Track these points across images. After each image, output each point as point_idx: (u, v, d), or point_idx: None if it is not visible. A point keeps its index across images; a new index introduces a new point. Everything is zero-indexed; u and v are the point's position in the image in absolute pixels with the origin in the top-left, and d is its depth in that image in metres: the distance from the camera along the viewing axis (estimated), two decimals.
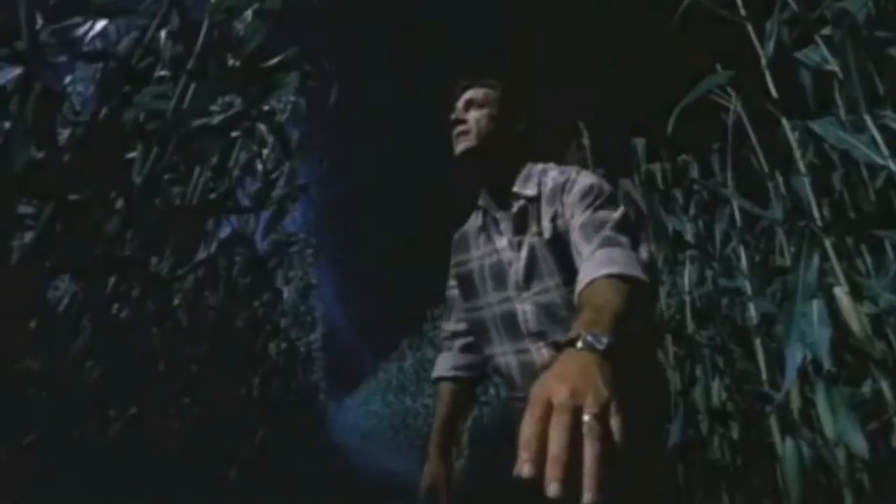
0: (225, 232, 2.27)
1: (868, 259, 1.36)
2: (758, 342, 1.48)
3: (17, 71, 0.82)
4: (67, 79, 1.84)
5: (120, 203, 1.03)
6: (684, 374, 1.89)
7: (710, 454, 1.58)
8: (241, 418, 2.48)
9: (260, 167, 2.44)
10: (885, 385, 0.96)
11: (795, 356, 0.97)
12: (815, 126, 1.36)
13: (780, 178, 1.62)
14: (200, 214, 1.32)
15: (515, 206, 1.00)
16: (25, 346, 1.01)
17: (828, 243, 1.10)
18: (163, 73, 1.29)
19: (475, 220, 1.11)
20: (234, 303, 2.20)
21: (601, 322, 0.63)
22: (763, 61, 1.53)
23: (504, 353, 1.01)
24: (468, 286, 1.08)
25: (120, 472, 1.13)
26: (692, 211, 2.39)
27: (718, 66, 1.72)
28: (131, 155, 1.23)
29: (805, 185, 1.25)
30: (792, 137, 1.41)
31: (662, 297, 2.25)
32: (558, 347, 0.61)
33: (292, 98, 2.84)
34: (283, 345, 4.04)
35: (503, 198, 1.03)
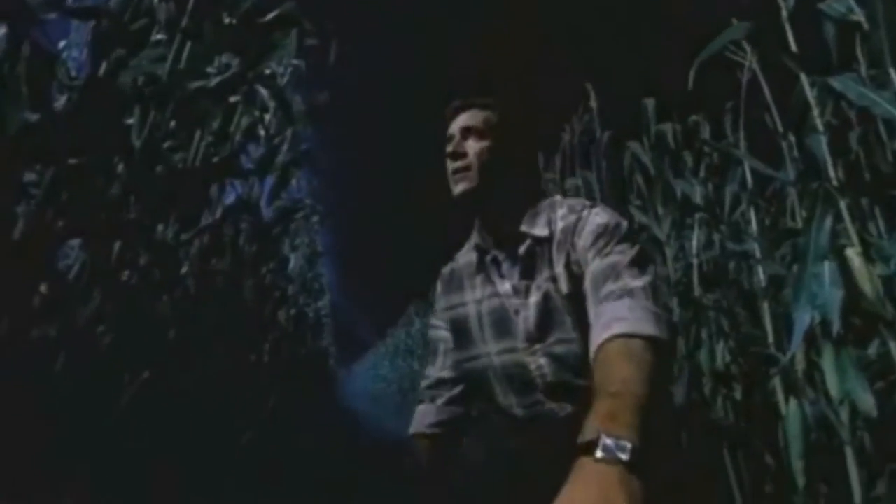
0: (230, 199, 2.26)
1: (881, 221, 1.33)
2: (765, 305, 1.48)
3: (2, 30, 0.80)
4: (62, 44, 1.80)
5: (121, 168, 1.02)
6: (689, 337, 1.90)
7: (713, 415, 1.61)
8: (253, 384, 2.54)
9: (262, 133, 2.40)
10: (893, 346, 0.96)
11: (804, 318, 0.96)
12: (835, 82, 1.30)
13: (793, 139, 1.57)
14: (203, 178, 1.31)
15: (523, 248, 0.90)
16: (38, 314, 1.02)
17: (842, 204, 1.08)
18: (159, 36, 1.26)
19: (467, 257, 1.00)
20: (242, 269, 2.21)
21: (621, 417, 0.55)
22: (784, 13, 1.46)
23: (511, 406, 0.92)
24: (462, 332, 0.97)
25: (134, 436, 1.16)
26: (702, 174, 2.34)
27: (734, 20, 1.64)
28: (130, 121, 1.21)
29: (822, 144, 1.22)
30: (810, 94, 1.36)
31: (669, 262, 2.24)
32: (577, 448, 0.52)
33: (293, 61, 2.77)
34: (292, 311, 4.09)
35: (506, 236, 0.93)
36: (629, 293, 0.75)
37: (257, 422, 2.46)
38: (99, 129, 0.93)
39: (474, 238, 1.00)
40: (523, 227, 0.92)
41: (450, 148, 0.93)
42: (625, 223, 0.87)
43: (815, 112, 1.33)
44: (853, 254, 1.01)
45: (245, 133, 2.09)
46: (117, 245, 1.07)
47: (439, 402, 1.03)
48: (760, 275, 1.58)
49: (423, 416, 1.03)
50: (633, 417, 0.55)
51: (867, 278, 0.99)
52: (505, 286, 0.93)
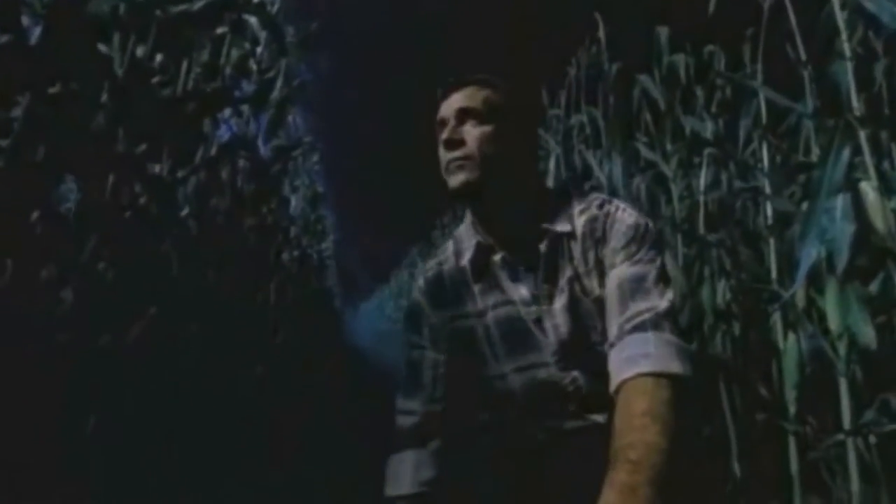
0: (225, 137, 2.20)
1: None
2: (771, 242, 1.46)
3: None
4: None
5: (104, 98, 0.98)
6: (692, 275, 1.91)
7: (711, 349, 1.64)
8: (260, 322, 2.60)
9: (254, 67, 2.30)
10: None
11: (811, 252, 0.95)
12: (868, 3, 1.21)
13: (812, 70, 1.49)
14: (193, 108, 1.25)
15: (543, 245, 0.78)
16: (37, 252, 1.01)
17: (862, 136, 1.03)
18: None
19: (460, 259, 0.84)
20: (242, 209, 2.19)
21: (640, 491, 0.54)
22: None
23: (532, 433, 0.80)
24: (464, 352, 0.82)
25: (143, 374, 1.20)
26: (714, 109, 2.25)
27: None
28: (112, 54, 1.14)
29: (847, 72, 1.15)
30: (840, 17, 1.27)
31: (675, 199, 2.20)
32: None
33: None
34: (295, 253, 4.12)
35: (515, 234, 0.80)
36: (655, 323, 0.69)
37: (266, 358, 2.54)
38: (75, 55, 0.88)
39: (470, 235, 0.83)
40: (545, 223, 0.80)
41: (444, 135, 0.78)
42: (652, 225, 0.79)
43: (844, 37, 1.25)
44: (868, 187, 0.98)
45: (236, 67, 1.99)
46: (111, 179, 1.04)
47: (433, 445, 0.79)
48: (768, 212, 1.55)
49: (407, 468, 0.77)
50: (651, 492, 0.55)
51: (880, 213, 0.97)
52: (521, 292, 0.80)
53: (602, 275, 0.77)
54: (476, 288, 0.83)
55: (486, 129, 0.78)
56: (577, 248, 0.79)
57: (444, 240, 0.94)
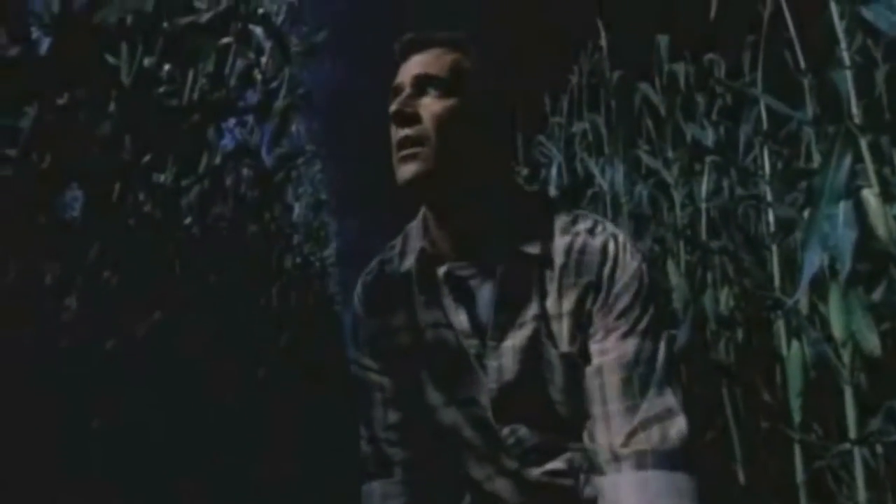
0: (229, 146, 2.22)
1: None
2: (774, 249, 1.47)
3: None
4: None
5: (112, 107, 0.99)
6: (694, 281, 1.91)
7: (714, 355, 1.64)
8: (264, 326, 2.61)
9: (259, 76, 2.32)
10: None
11: (813, 260, 0.95)
12: (867, 12, 1.22)
13: (812, 77, 1.50)
14: (199, 117, 1.27)
15: (503, 267, 0.61)
16: (44, 258, 1.02)
17: (863, 143, 1.03)
18: None
19: (403, 264, 0.68)
20: (245, 216, 2.21)
21: None
22: None
23: (488, 476, 0.67)
24: (398, 373, 0.69)
25: (148, 374, 1.20)
26: (714, 116, 2.26)
27: None
28: (120, 64, 1.16)
29: (846, 80, 1.15)
30: (839, 25, 1.28)
31: (677, 207, 2.21)
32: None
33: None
34: (297, 259, 4.13)
35: (472, 245, 0.63)
36: (674, 460, 0.55)
37: (269, 363, 2.55)
38: (83, 66, 0.89)
39: (416, 238, 0.67)
40: (503, 237, 0.62)
41: (394, 106, 0.60)
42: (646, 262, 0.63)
43: (843, 45, 1.26)
44: (870, 194, 0.99)
45: (241, 77, 2.02)
46: (116, 187, 1.06)
47: (399, 474, 0.68)
48: (770, 218, 1.56)
49: (381, 501, 0.68)
50: None
51: (882, 219, 0.97)
52: (461, 318, 0.63)
53: (581, 328, 0.60)
54: (420, 299, 0.66)
55: (450, 103, 0.60)
56: (551, 282, 0.61)
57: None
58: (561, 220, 0.65)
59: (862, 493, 1.08)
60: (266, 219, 2.64)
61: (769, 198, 1.57)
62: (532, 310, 0.62)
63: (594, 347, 0.61)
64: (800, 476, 1.25)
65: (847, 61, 1.23)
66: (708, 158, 2.12)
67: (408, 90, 0.62)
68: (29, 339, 0.89)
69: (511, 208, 0.65)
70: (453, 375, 0.66)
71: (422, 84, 0.61)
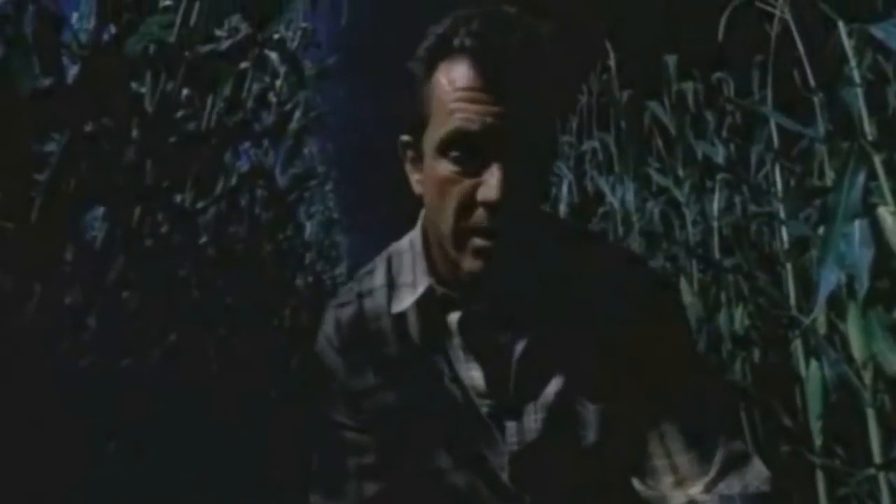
0: (244, 167, 2.27)
1: None
2: (788, 267, 1.45)
3: None
4: (74, 16, 1.79)
5: (135, 133, 1.03)
6: (708, 300, 1.89)
7: (730, 376, 1.61)
8: (275, 346, 2.62)
9: (274, 99, 2.38)
10: None
11: (830, 278, 0.94)
12: (876, 30, 1.23)
13: (822, 95, 1.50)
14: (217, 141, 1.31)
15: (535, 314, 0.53)
16: (66, 280, 1.05)
17: (877, 160, 1.03)
18: (167, 2, 1.24)
19: (393, 302, 0.55)
20: (259, 236, 2.25)
21: None
22: None
23: None
24: (398, 430, 0.56)
25: (162, 396, 1.22)
26: (724, 134, 2.27)
27: None
28: (143, 90, 1.21)
29: (858, 97, 1.16)
30: (848, 44, 1.28)
31: (689, 225, 2.20)
32: None
33: (303, 24, 2.71)
34: (310, 279, 4.16)
35: (497, 287, 0.51)
36: (754, 500, 0.51)
37: (281, 382, 2.55)
38: (110, 95, 0.93)
39: (419, 269, 0.55)
40: (530, 276, 0.52)
41: (493, 194, 0.45)
42: None
43: (853, 63, 1.26)
44: (886, 212, 0.98)
45: (256, 100, 2.08)
46: (137, 211, 1.09)
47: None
48: (784, 236, 1.54)
49: None
50: None
51: None
52: (473, 374, 0.53)
53: (615, 382, 0.53)
54: (413, 344, 0.55)
55: (537, 170, 0.49)
56: (586, 329, 0.53)
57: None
58: (592, 249, 0.56)
59: None
60: (279, 238, 2.68)
61: (782, 215, 1.56)
62: (562, 363, 0.53)
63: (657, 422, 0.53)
64: (823, 503, 1.21)
65: (857, 79, 1.24)
66: (719, 176, 2.11)
67: (502, 164, 0.46)
68: (50, 357, 0.90)
69: (540, 241, 0.53)
70: (460, 435, 0.55)
71: (520, 147, 0.47)
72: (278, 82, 2.40)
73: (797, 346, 1.32)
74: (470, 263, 0.48)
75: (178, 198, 1.44)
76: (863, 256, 0.94)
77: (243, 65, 1.78)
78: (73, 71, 1.09)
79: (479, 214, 0.46)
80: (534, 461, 0.54)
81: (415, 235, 0.58)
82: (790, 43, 1.70)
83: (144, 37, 1.08)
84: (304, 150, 3.07)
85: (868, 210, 0.98)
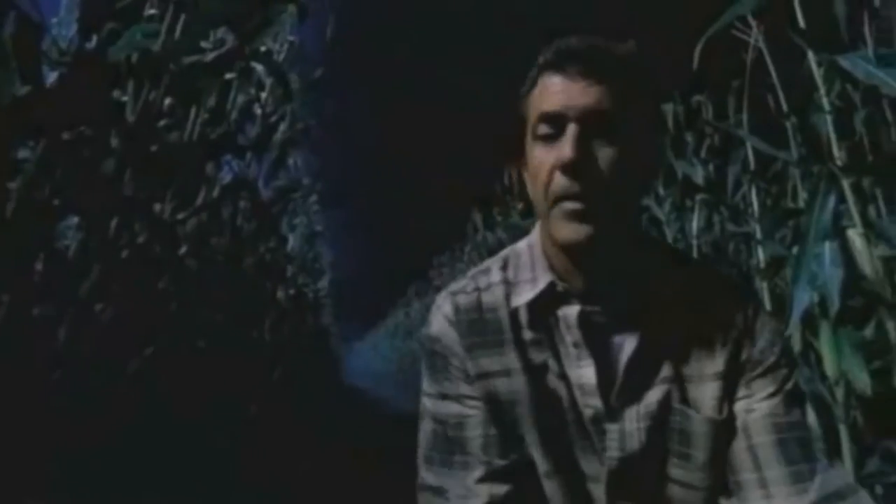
0: (227, 178, 2.25)
1: (882, 202, 1.33)
2: (764, 286, 1.48)
3: None
4: (53, 20, 1.77)
5: (115, 143, 1.01)
6: None
7: None
8: (255, 360, 2.57)
9: (259, 111, 2.38)
10: (891, 326, 0.96)
11: (803, 298, 0.96)
12: (843, 61, 1.28)
13: (795, 120, 1.56)
14: (199, 153, 1.29)
15: (650, 317, 0.54)
16: (35, 291, 1.02)
17: (846, 184, 1.07)
18: (152, 11, 1.23)
19: (512, 296, 0.57)
20: (241, 248, 2.22)
21: None
22: None
23: None
24: (505, 422, 0.56)
25: (139, 411, 1.18)
26: (703, 154, 2.33)
27: None
28: (124, 98, 1.19)
29: (827, 123, 1.20)
30: (817, 73, 1.34)
31: (669, 242, 2.24)
32: None
33: (289, 38, 2.73)
34: (291, 291, 4.11)
35: (611, 291, 0.54)
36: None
37: (262, 396, 2.50)
38: (90, 101, 0.92)
39: (540, 267, 0.57)
40: (645, 284, 0.54)
41: (569, 150, 0.49)
42: None
43: (822, 91, 1.31)
44: (855, 234, 1.01)
45: (241, 111, 2.07)
46: (114, 222, 1.06)
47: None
48: (760, 256, 1.58)
49: None
50: None
51: (868, 259, 0.99)
52: (585, 371, 0.54)
53: (729, 391, 0.53)
54: (528, 337, 0.56)
55: (619, 153, 0.50)
56: (689, 339, 0.54)
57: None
58: (680, 264, 0.59)
59: None
60: (261, 251, 2.65)
61: (759, 235, 1.60)
62: (666, 370, 0.54)
63: (738, 406, 0.53)
64: None
65: (827, 106, 1.28)
66: (698, 196, 2.17)
67: (575, 129, 0.50)
68: (19, 370, 0.87)
69: (648, 249, 0.58)
70: (560, 438, 0.55)
71: (593, 123, 0.50)
72: (264, 94, 2.40)
73: None
74: (563, 231, 0.51)
75: (158, 208, 1.42)
76: (833, 276, 0.96)
77: (228, 76, 1.77)
78: (51, 78, 1.08)
79: (561, 179, 0.50)
80: (634, 475, 0.53)
81: (533, 238, 0.61)
82: (765, 69, 1.76)
83: (128, 45, 1.07)
84: (289, 161, 3.06)
85: (838, 232, 1.01)
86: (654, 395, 0.53)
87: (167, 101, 1.33)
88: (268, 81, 2.37)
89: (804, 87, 1.41)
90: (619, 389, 0.54)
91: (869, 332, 1.13)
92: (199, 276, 1.69)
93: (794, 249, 1.26)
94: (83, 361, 1.02)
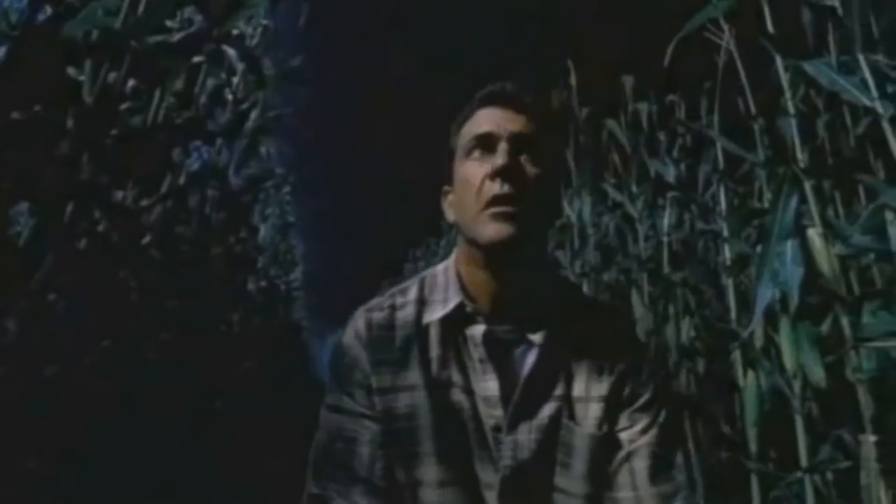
0: (195, 165, 2.17)
1: (840, 204, 1.39)
2: (730, 283, 1.53)
3: None
4: None
5: (70, 124, 0.96)
6: (657, 313, 1.96)
7: (676, 386, 1.67)
8: (223, 353, 2.51)
9: (230, 97, 2.31)
10: (845, 322, 1.00)
11: (766, 294, 0.99)
12: (808, 67, 1.32)
13: (762, 122, 1.60)
14: (164, 138, 1.24)
15: (540, 338, 0.60)
16: None
17: (808, 185, 1.10)
18: None
19: (424, 313, 0.63)
20: (209, 238, 2.15)
21: None
22: None
23: None
24: (401, 436, 0.60)
25: (97, 405, 1.13)
26: (675, 154, 2.38)
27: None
28: (82, 78, 1.13)
29: (792, 127, 1.24)
30: (784, 77, 1.38)
31: (640, 239, 2.28)
32: None
33: (263, 21, 2.65)
34: (262, 283, 4.03)
35: (516, 312, 0.61)
36: None
37: (228, 392, 2.44)
38: (43, 80, 0.86)
39: (452, 289, 0.63)
40: (545, 308, 0.61)
41: (500, 159, 0.58)
42: None
43: (788, 95, 1.35)
44: (815, 234, 1.05)
45: (211, 96, 2.00)
46: (69, 208, 1.01)
47: None
48: (727, 253, 1.62)
49: None
50: None
51: (826, 257, 1.03)
52: (489, 384, 0.60)
53: (610, 413, 0.61)
54: (435, 349, 0.62)
55: (538, 171, 0.60)
56: (579, 363, 0.61)
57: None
58: (583, 300, 0.69)
59: None
60: (230, 241, 2.58)
61: (726, 233, 1.64)
62: (558, 389, 0.61)
63: (623, 435, 0.61)
64: None
65: (792, 110, 1.32)
66: (669, 194, 2.21)
67: (505, 146, 0.60)
68: None
69: (550, 279, 0.67)
70: (459, 448, 0.60)
71: (518, 144, 0.61)
72: (235, 80, 2.32)
73: (737, 357, 1.39)
74: (490, 230, 0.58)
75: (120, 195, 1.36)
76: (794, 274, 1.00)
77: (197, 59, 1.71)
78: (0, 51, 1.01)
79: (492, 185, 0.59)
80: (524, 482, 0.59)
81: (449, 262, 0.68)
82: (734, 73, 1.81)
83: (86, 21, 1.01)
84: (261, 150, 2.98)
85: (799, 231, 1.05)
86: (547, 411, 0.60)
87: (130, 83, 1.27)
88: (239, 66, 2.30)
89: (771, 91, 1.45)
90: (516, 403, 0.60)
91: (825, 327, 1.17)
92: (163, 266, 1.63)
93: (759, 248, 1.30)
94: (34, 355, 0.97)
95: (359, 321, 0.65)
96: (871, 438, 0.93)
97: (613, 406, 0.61)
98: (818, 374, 1.02)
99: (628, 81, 2.65)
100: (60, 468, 1.02)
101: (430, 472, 0.60)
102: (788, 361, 1.07)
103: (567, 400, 0.61)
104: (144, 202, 1.37)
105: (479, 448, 0.60)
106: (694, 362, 1.75)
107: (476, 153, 0.62)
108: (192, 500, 1.61)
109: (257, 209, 3.52)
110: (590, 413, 0.61)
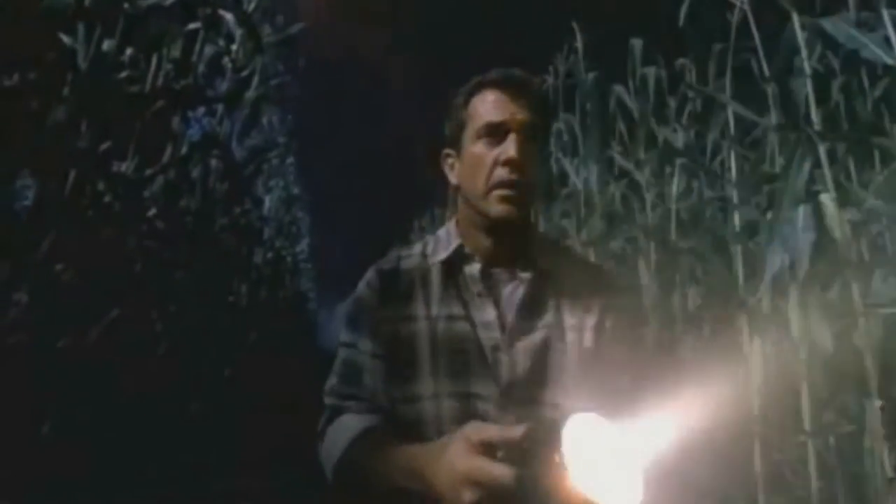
0: (196, 135, 2.14)
1: (853, 168, 1.36)
2: (738, 249, 1.51)
3: None
4: None
5: (66, 91, 0.94)
6: (664, 280, 1.95)
7: (681, 353, 1.68)
8: (231, 324, 2.54)
9: (229, 64, 2.25)
10: (855, 288, 0.99)
11: (775, 260, 0.98)
12: (826, 24, 1.26)
13: (775, 85, 1.55)
14: (163, 103, 1.21)
15: (528, 275, 0.70)
16: None
17: (821, 149, 1.07)
18: None
19: (429, 257, 0.74)
20: (213, 208, 2.14)
21: None
22: None
23: None
24: (402, 359, 0.70)
25: (104, 376, 1.15)
26: (685, 120, 2.31)
27: None
28: (76, 46, 1.10)
29: (806, 86, 1.19)
30: (800, 36, 1.32)
31: (648, 207, 2.25)
32: None
33: None
34: (269, 255, 4.04)
35: (508, 255, 0.72)
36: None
37: (236, 361, 2.48)
38: (33, 46, 0.84)
39: (452, 238, 0.74)
40: (532, 253, 0.72)
41: (512, 151, 0.67)
42: None
43: (804, 54, 1.30)
44: (827, 199, 1.02)
45: (209, 64, 1.95)
46: (71, 177, 1.00)
47: (364, 409, 0.72)
48: (736, 220, 1.60)
49: (350, 424, 0.70)
50: None
51: (838, 223, 1.01)
52: (487, 312, 0.70)
53: (598, 340, 0.70)
54: (437, 290, 0.72)
55: (537, 156, 0.70)
56: (564, 296, 0.71)
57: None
58: (561, 247, 0.79)
59: (815, 483, 1.12)
60: (236, 212, 2.57)
61: (735, 200, 1.62)
62: (547, 318, 0.71)
63: (609, 356, 0.70)
64: (758, 467, 1.29)
65: (808, 70, 1.28)
66: (678, 161, 2.17)
67: (516, 136, 0.68)
68: None
69: (535, 235, 0.78)
70: (462, 365, 0.70)
71: (525, 132, 0.69)
72: (234, 46, 2.27)
73: (743, 324, 1.38)
74: (497, 209, 0.69)
75: (122, 166, 1.35)
76: (805, 240, 0.98)
77: (193, 25, 1.66)
78: None
79: (503, 171, 0.68)
80: (520, 394, 0.68)
81: (450, 224, 0.78)
82: (748, 33, 1.74)
83: None
84: (263, 120, 2.94)
85: (811, 196, 1.02)
86: (539, 335, 0.70)
87: (128, 51, 1.24)
88: (238, 33, 2.23)
89: (786, 51, 1.40)
90: (512, 326, 0.70)
91: (834, 293, 1.16)
92: (166, 236, 1.63)
93: (769, 215, 1.27)
94: (43, 325, 0.98)
95: (370, 274, 0.76)
96: (878, 403, 0.93)
97: (600, 333, 0.71)
98: (826, 340, 1.02)
99: (637, 45, 2.56)
100: (71, 434, 1.05)
101: (424, 387, 0.69)
102: (796, 328, 1.07)
103: (559, 327, 0.71)
104: (148, 172, 1.36)
105: (480, 366, 0.69)
106: (700, 330, 1.75)
107: (486, 138, 0.69)
108: (198, 465, 1.66)
109: (261, 180, 3.50)
110: (582, 339, 0.70)
